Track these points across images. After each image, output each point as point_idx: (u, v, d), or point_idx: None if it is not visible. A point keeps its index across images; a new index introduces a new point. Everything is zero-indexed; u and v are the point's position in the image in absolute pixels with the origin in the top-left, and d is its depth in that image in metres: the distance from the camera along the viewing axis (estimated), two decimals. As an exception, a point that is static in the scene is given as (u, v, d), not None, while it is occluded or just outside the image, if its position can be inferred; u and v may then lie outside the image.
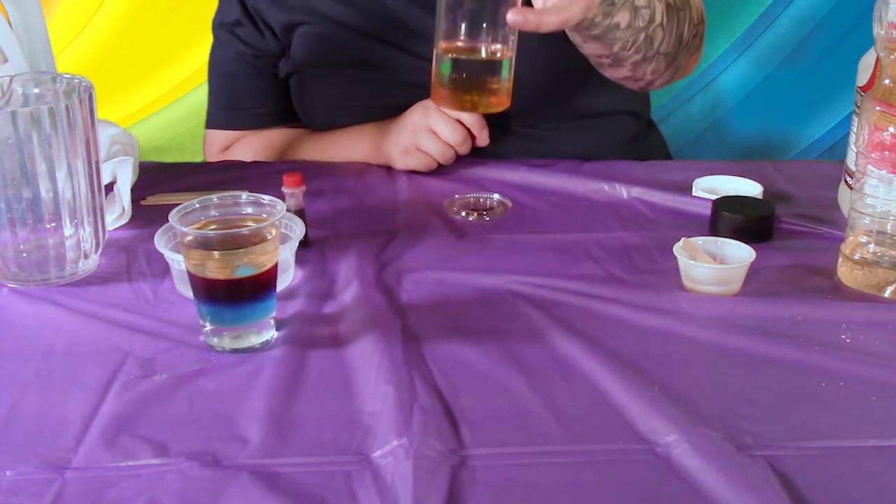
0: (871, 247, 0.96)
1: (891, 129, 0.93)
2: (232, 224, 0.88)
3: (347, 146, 1.30)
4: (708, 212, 1.08)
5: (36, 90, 0.99)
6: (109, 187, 1.07)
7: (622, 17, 1.07)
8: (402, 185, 1.21)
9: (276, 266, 0.86)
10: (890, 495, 0.70)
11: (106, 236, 1.00)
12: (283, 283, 0.94)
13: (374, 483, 0.69)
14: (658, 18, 1.10)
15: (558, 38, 1.26)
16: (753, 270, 0.96)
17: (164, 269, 0.97)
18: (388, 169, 1.25)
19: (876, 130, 0.94)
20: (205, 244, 0.84)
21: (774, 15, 1.73)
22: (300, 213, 1.03)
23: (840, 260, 0.98)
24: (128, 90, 1.83)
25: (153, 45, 1.81)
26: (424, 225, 1.10)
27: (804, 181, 1.21)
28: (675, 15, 1.13)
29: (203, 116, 1.42)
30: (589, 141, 1.32)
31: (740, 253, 0.97)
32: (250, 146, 1.38)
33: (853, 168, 1.01)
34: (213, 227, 0.88)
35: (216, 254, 0.83)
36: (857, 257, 0.97)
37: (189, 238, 0.84)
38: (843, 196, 1.11)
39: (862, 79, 1.10)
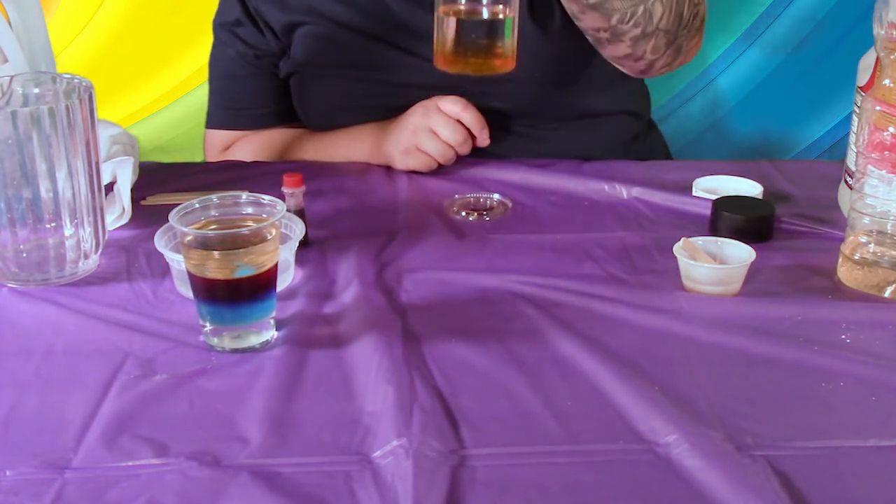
0: (871, 247, 0.96)
1: (891, 129, 0.93)
2: (232, 224, 0.88)
3: (348, 146, 1.30)
4: (708, 212, 1.08)
5: (36, 90, 0.99)
6: (109, 187, 1.07)
7: None
8: (402, 185, 1.21)
9: (276, 266, 0.86)
10: (890, 495, 0.70)
11: (106, 236, 1.00)
12: (283, 283, 0.94)
13: (374, 483, 0.69)
14: None
15: (559, 38, 1.26)
16: (753, 270, 0.96)
17: (164, 269, 0.97)
18: (388, 169, 1.25)
19: (876, 130, 0.94)
20: (205, 244, 0.84)
21: (774, 15, 1.72)
22: (300, 213, 1.03)
23: (840, 260, 0.98)
24: (128, 90, 1.83)
25: (153, 45, 1.81)
26: (424, 225, 1.10)
27: (804, 181, 1.21)
28: None
29: (203, 116, 1.42)
30: (589, 141, 1.32)
31: (740, 253, 0.97)
32: (250, 146, 1.38)
33: (853, 168, 1.01)
34: (213, 227, 0.88)
35: (216, 254, 0.83)
36: (857, 257, 0.97)
37: (189, 238, 0.84)
38: (843, 196, 1.11)
39: (862, 79, 1.10)
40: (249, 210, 0.89)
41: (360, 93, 1.31)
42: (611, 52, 1.15)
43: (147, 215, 1.08)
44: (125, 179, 1.07)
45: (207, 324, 0.86)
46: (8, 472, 0.71)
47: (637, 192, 1.16)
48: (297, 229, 0.97)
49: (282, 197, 0.98)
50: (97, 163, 0.97)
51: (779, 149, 1.80)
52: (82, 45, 1.80)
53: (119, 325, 0.89)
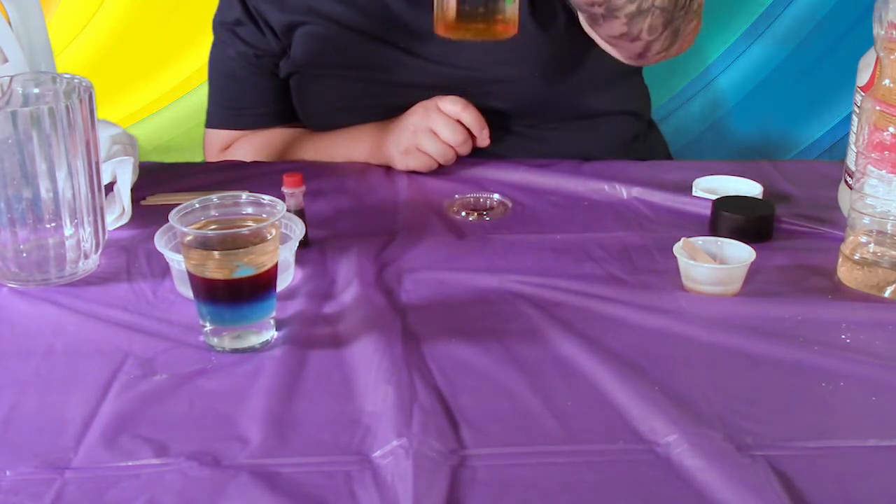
0: (871, 247, 0.96)
1: (891, 129, 0.93)
2: (232, 224, 0.88)
3: (348, 146, 1.30)
4: (708, 212, 1.08)
5: (36, 90, 0.99)
6: (109, 187, 1.07)
7: None
8: (402, 185, 1.21)
9: (276, 266, 0.86)
10: (890, 495, 0.70)
11: (106, 236, 1.00)
12: (283, 283, 0.94)
13: (374, 483, 0.69)
14: None
15: (559, 38, 1.26)
16: (753, 270, 0.96)
17: (164, 269, 0.97)
18: (388, 169, 1.25)
19: (876, 130, 0.94)
20: (205, 244, 0.84)
21: (774, 15, 1.72)
22: (300, 213, 1.03)
23: (840, 260, 0.98)
24: (128, 90, 1.83)
25: (153, 45, 1.81)
26: (424, 225, 1.10)
27: (804, 181, 1.21)
28: None
29: (203, 116, 1.42)
30: (589, 141, 1.32)
31: (740, 253, 0.97)
32: (250, 146, 1.38)
33: (853, 168, 1.01)
34: (213, 227, 0.88)
35: (216, 254, 0.83)
36: (857, 257, 0.96)
37: (189, 238, 0.84)
38: (843, 196, 1.11)
39: (862, 79, 1.10)
40: (249, 210, 0.89)
41: (360, 93, 1.31)
42: (606, 32, 1.11)
43: (147, 215, 1.08)
44: (125, 179, 1.07)
45: (207, 324, 0.86)
46: (8, 472, 0.71)
47: (637, 192, 1.16)
48: (297, 229, 0.97)
49: (282, 197, 0.97)
50: (97, 163, 0.97)
51: (779, 149, 1.80)
52: (82, 45, 1.80)
53: (119, 325, 0.89)
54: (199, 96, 1.67)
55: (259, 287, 0.85)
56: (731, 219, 1.05)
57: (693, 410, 0.77)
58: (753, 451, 0.73)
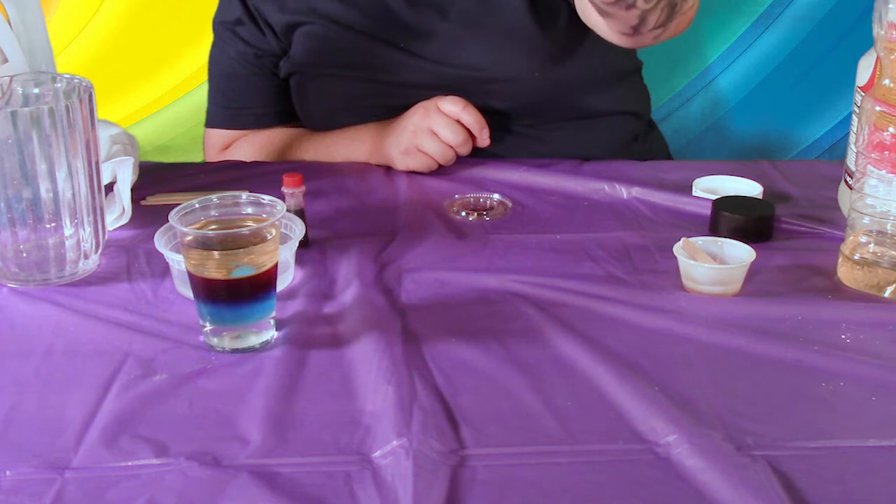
0: (871, 247, 0.96)
1: (891, 129, 0.93)
2: (232, 224, 0.88)
3: (348, 146, 1.30)
4: (708, 212, 1.08)
5: (36, 90, 0.99)
6: (109, 187, 1.07)
7: None
8: (402, 185, 1.21)
9: (276, 266, 0.86)
10: (890, 495, 0.70)
11: (106, 236, 1.00)
12: (283, 283, 0.94)
13: (374, 483, 0.69)
14: None
15: (559, 38, 1.26)
16: (753, 270, 0.96)
17: (164, 269, 0.97)
18: (388, 169, 1.25)
19: (876, 130, 0.94)
20: (205, 244, 0.84)
21: (774, 15, 1.72)
22: (300, 213, 1.03)
23: (840, 260, 0.98)
24: (128, 90, 1.83)
25: (153, 45, 1.81)
26: (424, 225, 1.10)
27: (804, 181, 1.21)
28: None
29: (203, 116, 1.42)
30: (589, 141, 1.32)
31: (740, 253, 0.97)
32: (250, 146, 1.38)
33: (853, 168, 1.01)
34: (212, 227, 0.88)
35: (216, 254, 0.83)
36: (857, 257, 0.96)
37: (189, 238, 0.84)
38: (843, 196, 1.11)
39: (862, 79, 1.10)
40: (249, 210, 0.89)
41: (360, 93, 1.31)
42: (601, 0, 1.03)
43: (147, 215, 1.08)
44: (125, 179, 1.07)
45: (207, 324, 0.86)
46: (8, 472, 0.70)
47: (637, 192, 1.16)
48: (297, 229, 0.97)
49: (282, 197, 0.98)
50: (97, 163, 0.97)
51: (779, 149, 1.80)
52: (82, 45, 1.80)
53: (119, 325, 0.89)
54: (199, 96, 1.67)
55: (259, 287, 0.85)
56: (731, 219, 1.05)
57: (693, 410, 0.77)
58: (753, 451, 0.73)
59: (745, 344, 0.87)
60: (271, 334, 0.87)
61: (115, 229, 1.06)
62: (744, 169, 1.21)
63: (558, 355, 0.85)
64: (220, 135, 1.40)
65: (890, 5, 0.93)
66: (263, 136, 1.38)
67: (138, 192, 1.12)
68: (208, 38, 1.38)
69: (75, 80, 0.97)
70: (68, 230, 0.95)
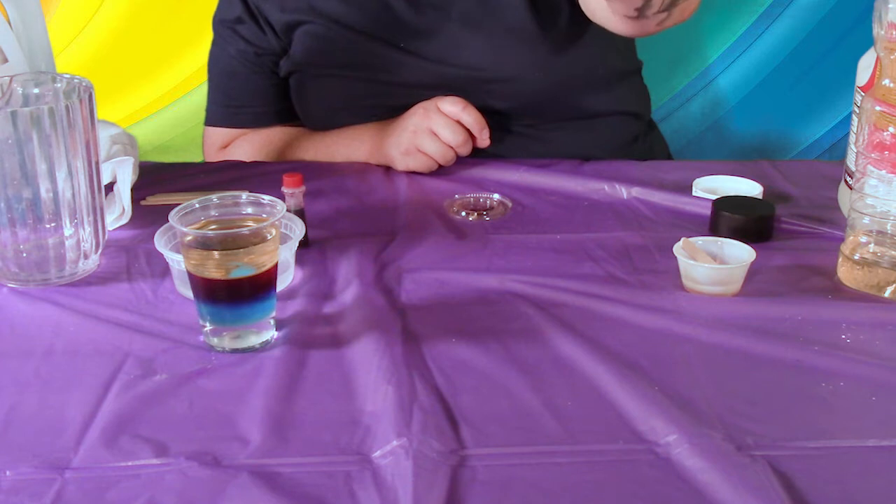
0: (871, 247, 0.96)
1: (891, 129, 0.93)
2: (232, 224, 0.88)
3: (348, 146, 1.30)
4: (708, 212, 1.08)
5: (36, 90, 0.99)
6: (109, 187, 1.07)
7: None
8: (402, 185, 1.21)
9: (276, 266, 0.86)
10: (890, 495, 0.70)
11: (106, 236, 1.00)
12: (283, 283, 0.94)
13: (374, 483, 0.69)
14: None
15: (560, 38, 1.26)
16: (753, 270, 0.96)
17: (164, 269, 0.97)
18: (388, 169, 1.25)
19: (876, 130, 0.94)
20: (205, 244, 0.84)
21: (774, 15, 1.72)
22: (300, 213, 1.03)
23: (840, 260, 0.98)
24: (128, 90, 1.83)
25: (153, 45, 1.81)
26: (424, 225, 1.10)
27: (804, 181, 1.21)
28: None
29: (203, 116, 1.42)
30: (589, 141, 1.32)
31: (740, 253, 0.97)
32: (249, 145, 1.38)
33: (853, 168, 1.01)
34: (212, 227, 0.88)
35: (216, 254, 0.83)
36: (857, 257, 0.96)
37: (189, 238, 0.84)
38: (843, 196, 1.11)
39: (862, 79, 1.10)
40: (249, 210, 0.89)
41: (360, 92, 1.31)
42: None
43: (147, 215, 1.08)
44: (125, 179, 1.07)
45: (207, 324, 0.86)
46: (8, 472, 0.71)
47: (637, 192, 1.16)
48: (297, 229, 0.97)
49: (282, 197, 0.98)
50: (97, 163, 0.97)
51: (779, 149, 1.80)
52: (82, 45, 1.80)
53: (119, 325, 0.89)
54: (199, 96, 1.66)
55: (259, 287, 0.85)
56: (731, 219, 1.05)
57: (693, 410, 0.77)
58: (753, 451, 0.73)
59: (745, 344, 0.87)
60: (271, 334, 0.87)
61: (115, 229, 1.06)
62: (744, 169, 1.21)
63: (558, 355, 0.85)
64: (219, 133, 1.40)
65: (890, 5, 0.93)
66: (263, 136, 1.38)
67: (138, 192, 1.12)
68: (208, 38, 1.38)
69: (75, 80, 0.97)
70: (68, 230, 0.95)
